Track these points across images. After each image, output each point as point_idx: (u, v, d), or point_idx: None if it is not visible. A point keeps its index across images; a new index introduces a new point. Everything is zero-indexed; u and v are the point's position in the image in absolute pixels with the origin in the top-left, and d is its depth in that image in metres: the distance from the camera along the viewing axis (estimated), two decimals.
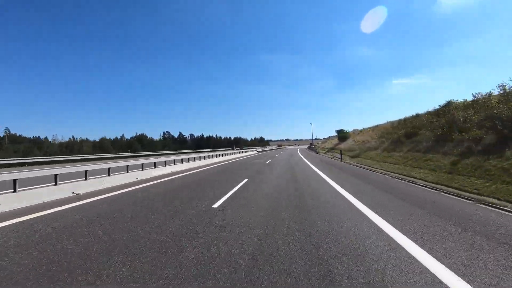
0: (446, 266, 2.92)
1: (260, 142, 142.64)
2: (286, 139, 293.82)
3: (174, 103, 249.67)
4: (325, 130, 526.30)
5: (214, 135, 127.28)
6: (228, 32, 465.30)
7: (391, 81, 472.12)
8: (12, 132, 52.63)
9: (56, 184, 7.38)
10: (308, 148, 72.29)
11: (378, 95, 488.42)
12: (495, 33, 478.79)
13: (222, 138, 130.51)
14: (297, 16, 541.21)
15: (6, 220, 4.93)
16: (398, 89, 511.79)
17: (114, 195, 7.66)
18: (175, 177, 12.01)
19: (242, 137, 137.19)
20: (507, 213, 5.31)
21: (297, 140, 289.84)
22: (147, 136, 73.16)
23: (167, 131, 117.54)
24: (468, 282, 2.58)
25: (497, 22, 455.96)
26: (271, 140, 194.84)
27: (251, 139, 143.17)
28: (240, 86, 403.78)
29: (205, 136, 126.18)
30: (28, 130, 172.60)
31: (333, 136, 71.93)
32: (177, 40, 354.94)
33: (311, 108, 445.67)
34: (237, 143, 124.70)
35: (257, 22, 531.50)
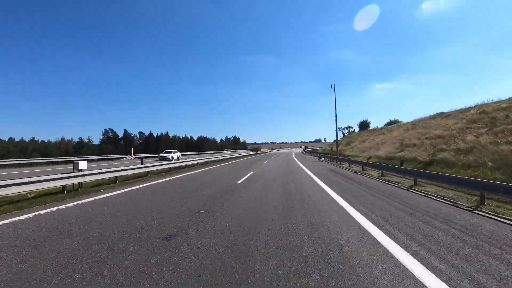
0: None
1: (234, 143, 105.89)
2: (271, 142, 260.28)
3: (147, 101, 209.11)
4: (310, 134, 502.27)
5: (166, 133, 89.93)
6: (211, 32, 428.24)
7: (374, 85, 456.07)
8: None
9: None
10: (308, 153, 37.25)
11: (361, 98, 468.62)
12: (469, 42, 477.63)
13: (181, 137, 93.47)
14: (278, 21, 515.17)
15: None
16: (380, 93, 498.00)
17: None
18: None
19: (209, 136, 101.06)
20: None
21: (282, 143, 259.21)
22: None
23: (110, 129, 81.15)
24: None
25: (470, 31, 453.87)
26: (255, 143, 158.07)
27: (221, 140, 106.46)
28: (224, 87, 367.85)
29: (154, 134, 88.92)
30: None
31: (357, 132, 38.26)
32: (147, 36, 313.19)
33: (298, 113, 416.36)
34: (201, 145, 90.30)
35: (240, 24, 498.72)
